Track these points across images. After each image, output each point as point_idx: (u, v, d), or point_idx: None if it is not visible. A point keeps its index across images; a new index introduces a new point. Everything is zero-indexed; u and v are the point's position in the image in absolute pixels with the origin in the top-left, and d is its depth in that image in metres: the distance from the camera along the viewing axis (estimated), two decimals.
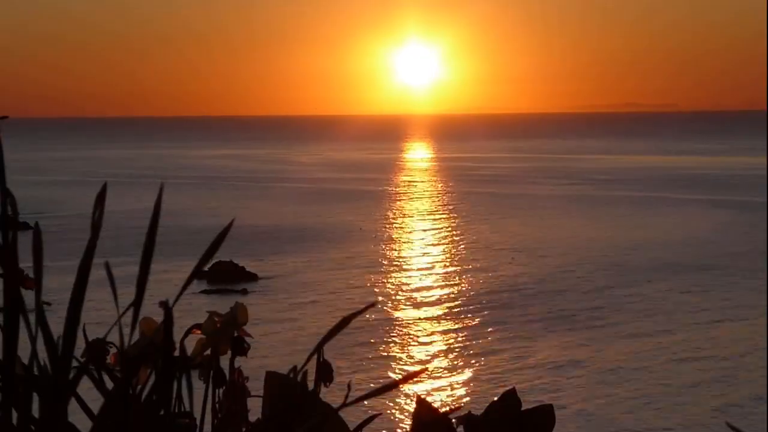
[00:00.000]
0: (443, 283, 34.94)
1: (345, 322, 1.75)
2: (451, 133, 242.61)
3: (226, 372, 2.22)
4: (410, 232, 48.84)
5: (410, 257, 40.60)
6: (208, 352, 2.22)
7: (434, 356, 25.33)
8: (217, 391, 2.21)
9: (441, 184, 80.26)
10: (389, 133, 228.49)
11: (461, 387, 22.71)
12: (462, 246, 44.15)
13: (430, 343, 26.74)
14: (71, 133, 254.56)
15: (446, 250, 43.14)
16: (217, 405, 2.20)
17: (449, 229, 50.72)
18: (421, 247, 43.63)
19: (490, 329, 27.94)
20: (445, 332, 27.84)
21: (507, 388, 2.59)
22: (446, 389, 22.44)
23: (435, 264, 39.16)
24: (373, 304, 1.84)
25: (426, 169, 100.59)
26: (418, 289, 33.68)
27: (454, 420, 2.46)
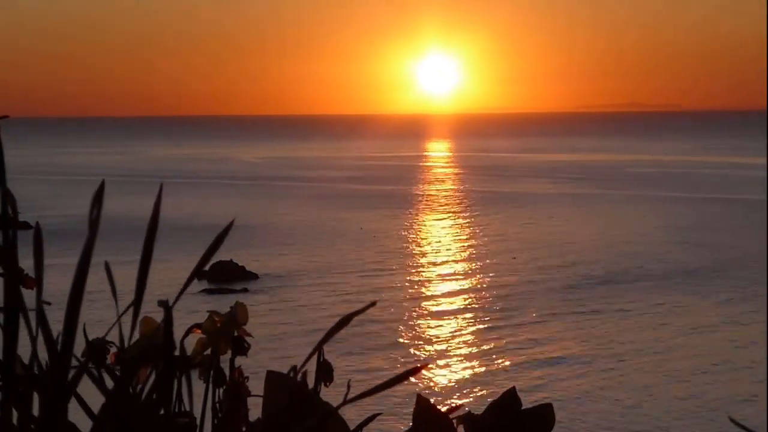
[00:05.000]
0: (444, 282, 34.94)
1: (345, 321, 1.75)
2: (462, 131, 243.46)
3: (226, 372, 2.22)
4: (410, 231, 48.84)
5: (410, 256, 40.59)
6: (208, 351, 2.22)
7: (434, 355, 25.33)
8: (217, 390, 2.21)
9: (444, 183, 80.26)
10: (403, 132, 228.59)
11: (461, 386, 22.71)
12: (462, 244, 44.15)
13: (431, 341, 26.74)
14: (73, 132, 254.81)
15: (447, 248, 43.14)
16: (217, 405, 2.20)
17: (450, 227, 50.73)
18: (422, 247, 43.63)
19: (491, 328, 27.94)
20: (445, 331, 27.84)
21: (507, 387, 2.59)
22: (446, 388, 22.44)
23: (436, 263, 39.16)
24: (373, 304, 1.84)
25: (430, 168, 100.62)
26: (418, 288, 33.68)
27: (454, 419, 2.46)
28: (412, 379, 20.76)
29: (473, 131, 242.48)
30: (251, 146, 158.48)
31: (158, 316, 1.88)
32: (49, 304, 1.75)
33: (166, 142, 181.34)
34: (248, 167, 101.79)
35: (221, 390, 2.21)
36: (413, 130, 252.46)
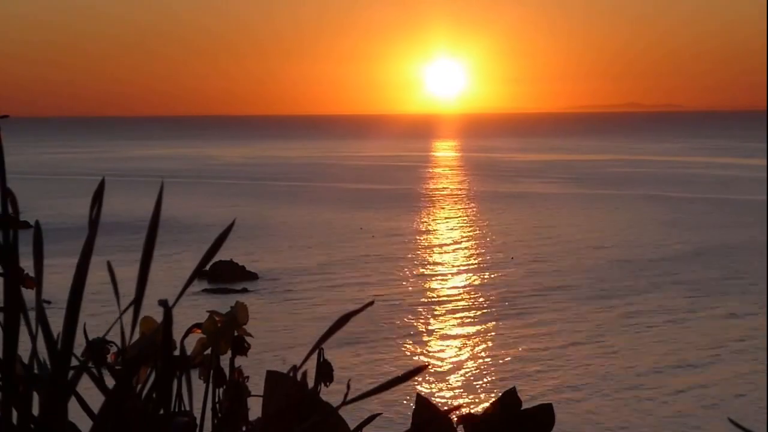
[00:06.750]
0: (442, 282, 34.94)
1: (343, 320, 1.75)
2: (466, 132, 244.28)
3: (226, 371, 2.22)
4: (410, 231, 48.84)
5: (410, 256, 40.59)
6: (208, 351, 2.22)
7: (433, 355, 25.33)
8: (217, 390, 2.21)
9: (444, 183, 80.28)
10: (409, 132, 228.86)
11: (460, 385, 22.72)
12: (460, 244, 44.15)
13: (429, 340, 26.74)
14: (73, 132, 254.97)
15: (445, 248, 43.15)
16: (217, 404, 2.20)
17: (449, 226, 50.74)
18: (421, 246, 43.64)
19: (489, 327, 27.95)
20: (443, 330, 27.84)
21: (507, 387, 2.59)
22: (446, 387, 22.45)
23: (434, 263, 39.17)
24: (371, 303, 1.84)
25: (432, 168, 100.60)
26: (417, 288, 33.68)
27: (454, 419, 2.46)
28: (412, 379, 20.73)
29: (477, 131, 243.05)
30: (254, 146, 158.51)
31: (159, 315, 1.88)
32: (48, 303, 1.75)
33: (172, 142, 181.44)
34: (250, 167, 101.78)
35: (221, 390, 2.21)
36: (419, 130, 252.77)
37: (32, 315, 1.73)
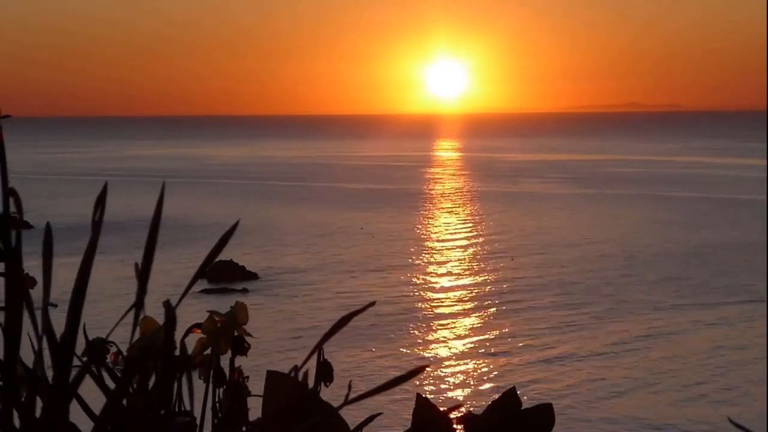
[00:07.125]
0: (443, 281, 34.94)
1: (344, 321, 1.75)
2: (467, 132, 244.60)
3: (227, 371, 2.23)
4: (410, 231, 48.83)
5: (410, 256, 40.59)
6: (209, 351, 2.22)
7: (434, 355, 25.33)
8: (217, 390, 2.22)
9: (444, 183, 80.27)
10: (410, 132, 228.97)
11: (460, 385, 22.72)
12: (460, 244, 44.15)
13: (429, 341, 26.74)
14: (73, 131, 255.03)
15: (445, 248, 43.15)
16: (217, 404, 2.21)
17: (449, 227, 50.73)
18: (421, 246, 43.63)
19: (489, 327, 27.95)
20: (443, 330, 27.84)
21: (507, 387, 2.60)
22: (445, 387, 22.45)
23: (435, 262, 39.16)
24: (372, 304, 1.85)
25: (432, 168, 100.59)
26: (417, 288, 33.69)
27: (453, 419, 2.47)
28: (412, 379, 20.72)
29: (478, 132, 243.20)
30: (253, 146, 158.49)
31: (159, 316, 1.88)
32: (55, 306, 1.75)
33: (172, 142, 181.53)
34: (250, 167, 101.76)
35: (221, 390, 2.22)
36: (420, 130, 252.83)
37: (29, 315, 1.73)
